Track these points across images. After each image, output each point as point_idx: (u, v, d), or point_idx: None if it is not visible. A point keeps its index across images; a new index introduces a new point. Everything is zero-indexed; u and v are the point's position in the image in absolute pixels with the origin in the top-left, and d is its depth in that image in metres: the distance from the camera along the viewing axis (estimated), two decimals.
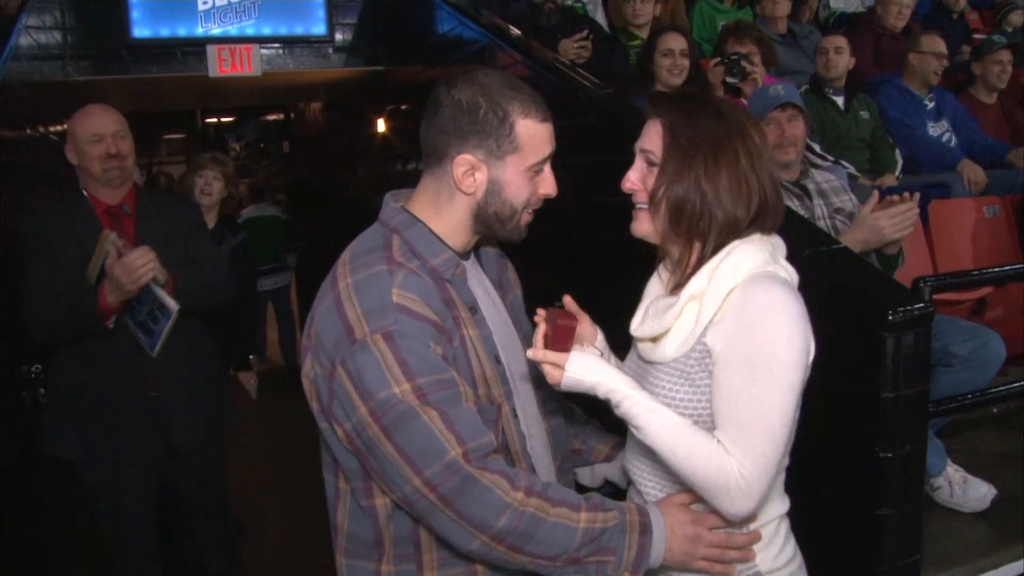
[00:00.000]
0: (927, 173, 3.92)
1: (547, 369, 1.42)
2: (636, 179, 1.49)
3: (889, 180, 3.81)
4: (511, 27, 3.92)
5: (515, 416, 1.52)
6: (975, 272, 2.99)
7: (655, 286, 1.58)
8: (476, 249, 1.63)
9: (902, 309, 1.96)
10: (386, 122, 5.99)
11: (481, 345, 1.48)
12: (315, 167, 8.65)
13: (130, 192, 2.74)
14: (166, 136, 14.81)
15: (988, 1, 6.61)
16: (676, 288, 1.47)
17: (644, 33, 4.38)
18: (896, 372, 1.98)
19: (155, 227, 2.70)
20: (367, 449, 1.37)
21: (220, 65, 4.89)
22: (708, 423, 1.40)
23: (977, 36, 5.68)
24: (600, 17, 5.03)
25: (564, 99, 3.22)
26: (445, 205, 1.51)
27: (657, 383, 1.45)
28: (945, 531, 2.41)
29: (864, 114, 3.97)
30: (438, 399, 1.34)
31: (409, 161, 5.58)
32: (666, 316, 1.45)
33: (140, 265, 2.43)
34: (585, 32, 4.07)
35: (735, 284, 1.38)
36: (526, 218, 1.54)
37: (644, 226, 1.50)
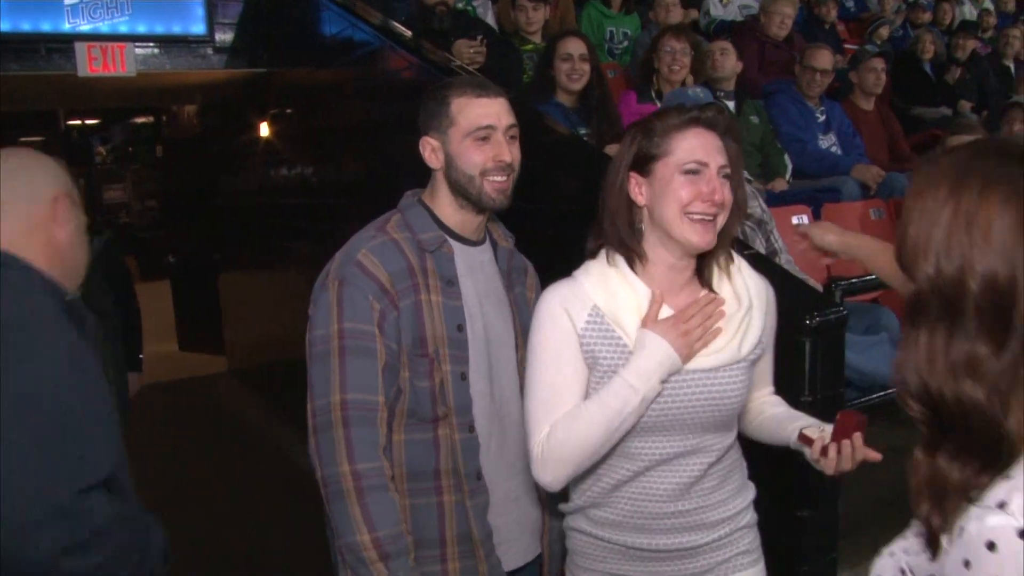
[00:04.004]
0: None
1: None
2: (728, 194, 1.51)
3: (780, 184, 3.91)
4: (403, 28, 3.82)
5: (463, 379, 1.72)
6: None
7: (644, 290, 1.53)
8: (495, 244, 1.87)
9: (819, 314, 1.98)
10: (269, 126, 5.76)
11: (441, 310, 1.71)
12: (191, 173, 8.27)
13: None
14: (23, 139, 13.85)
15: (854, 14, 7.02)
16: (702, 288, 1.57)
17: (536, 38, 4.37)
18: (814, 376, 2.01)
19: None
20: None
21: (91, 64, 4.56)
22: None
23: (848, 47, 5.96)
24: (491, 20, 4.97)
25: None
26: (435, 186, 1.80)
27: (732, 383, 1.52)
28: (853, 528, 2.47)
29: (754, 119, 4.06)
30: (351, 345, 1.63)
31: (294, 166, 5.37)
32: (731, 322, 1.53)
33: None
34: (479, 38, 4.00)
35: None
36: (491, 184, 1.72)
37: (713, 235, 1.50)
